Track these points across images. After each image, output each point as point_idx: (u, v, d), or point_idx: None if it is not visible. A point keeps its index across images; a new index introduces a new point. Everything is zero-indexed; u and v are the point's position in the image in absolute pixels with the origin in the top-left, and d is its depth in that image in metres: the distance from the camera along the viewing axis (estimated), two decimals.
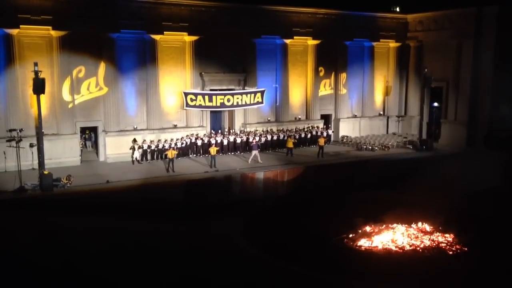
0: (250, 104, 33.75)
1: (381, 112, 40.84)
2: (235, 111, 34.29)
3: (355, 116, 39.33)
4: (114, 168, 28.10)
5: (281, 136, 33.85)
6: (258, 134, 33.01)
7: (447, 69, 36.63)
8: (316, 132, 35.34)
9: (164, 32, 30.57)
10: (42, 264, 15.66)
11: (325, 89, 38.09)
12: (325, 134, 35.27)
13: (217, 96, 32.38)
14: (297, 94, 36.84)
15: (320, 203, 25.65)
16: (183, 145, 30.89)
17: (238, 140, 32.53)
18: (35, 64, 23.07)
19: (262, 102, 34.13)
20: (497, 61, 34.11)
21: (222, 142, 31.87)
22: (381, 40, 39.01)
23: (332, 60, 37.57)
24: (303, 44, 36.21)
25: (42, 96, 23.82)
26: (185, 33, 31.28)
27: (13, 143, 23.52)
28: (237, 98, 33.06)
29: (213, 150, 28.80)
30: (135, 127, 30.95)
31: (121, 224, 20.54)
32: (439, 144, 36.21)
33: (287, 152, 31.85)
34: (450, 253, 19.45)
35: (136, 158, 29.50)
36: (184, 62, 32.09)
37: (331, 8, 36.16)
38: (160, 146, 30.12)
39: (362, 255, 19.29)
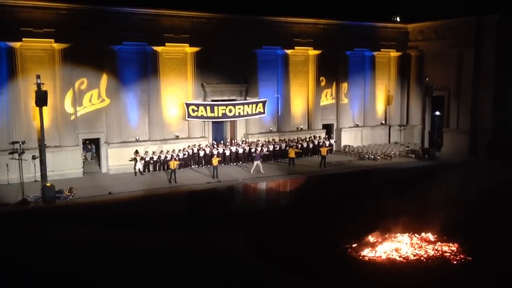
0: (252, 115, 33.80)
1: (383, 121, 40.84)
2: (237, 121, 34.34)
3: (357, 126, 39.36)
4: (117, 180, 28.10)
5: (283, 146, 33.85)
6: (260, 144, 32.99)
7: (448, 78, 36.67)
8: (318, 142, 35.34)
9: (166, 44, 30.72)
10: (44, 276, 15.61)
11: (327, 98, 38.16)
12: (327, 143, 35.25)
13: (219, 107, 32.43)
14: (298, 104, 36.90)
15: (322, 213, 25.63)
16: (185, 156, 30.89)
17: (240, 151, 32.52)
18: (38, 77, 23.10)
19: (263, 113, 34.19)
20: (498, 70, 34.16)
21: (224, 152, 31.88)
22: (381, 49, 39.13)
23: (333, 70, 37.68)
24: (304, 54, 36.36)
25: (44, 109, 23.84)
26: (187, 45, 31.43)
27: (16, 156, 23.50)
28: (239, 109, 33.12)
29: (215, 160, 28.79)
30: (137, 138, 30.99)
31: (124, 236, 20.51)
32: (441, 153, 36.14)
33: (289, 162, 31.82)
34: (454, 262, 19.34)
35: (138, 169, 29.50)
36: (185, 73, 32.21)
37: (332, 19, 36.31)
38: (162, 157, 30.12)
39: (365, 265, 19.18)
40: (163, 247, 19.66)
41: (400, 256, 19.87)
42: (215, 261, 18.62)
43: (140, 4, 29.72)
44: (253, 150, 31.82)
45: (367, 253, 20.15)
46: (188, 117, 31.90)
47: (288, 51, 35.19)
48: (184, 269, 17.25)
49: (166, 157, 30.01)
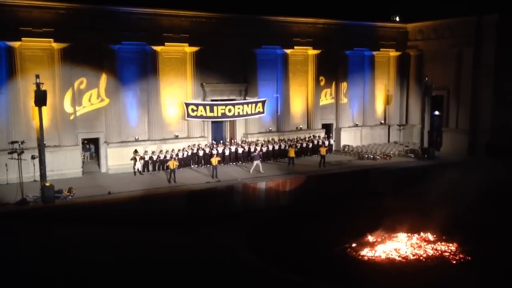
0: (251, 114, 33.79)
1: (382, 121, 40.86)
2: (236, 121, 34.33)
3: (356, 125, 39.37)
4: (116, 179, 28.09)
5: (283, 146, 33.86)
6: (260, 144, 32.99)
7: (447, 77, 36.71)
8: (318, 142, 35.35)
9: (165, 43, 30.71)
10: (44, 275, 15.61)
11: (326, 98, 38.16)
12: (326, 143, 35.25)
13: (218, 107, 32.42)
14: (298, 104, 36.89)
15: (322, 213, 25.63)
16: (185, 156, 30.90)
17: (240, 150, 32.52)
18: (37, 76, 23.09)
19: (263, 112, 34.19)
20: (497, 69, 34.17)
21: (223, 152, 31.87)
22: (381, 49, 39.13)
23: (332, 69, 37.67)
24: (304, 54, 36.34)
25: (43, 108, 23.82)
26: (186, 44, 31.42)
27: (15, 155, 23.51)
28: (238, 108, 33.11)
29: (214, 160, 28.79)
30: (136, 138, 30.98)
31: (123, 235, 20.51)
32: (440, 152, 36.18)
33: (289, 162, 31.82)
34: (454, 262, 19.35)
35: (138, 169, 29.50)
36: (185, 73, 32.20)
37: (331, 18, 36.31)
38: (162, 157, 30.11)
39: (364, 265, 19.17)
40: (162, 247, 19.65)
41: (399, 256, 19.87)
42: (215, 261, 18.62)
43: (139, 3, 29.69)
44: (252, 149, 31.82)
45: (366, 252, 20.14)
46: (187, 117, 31.89)
47: (288, 51, 35.18)
48: (184, 269, 17.25)
49: (165, 156, 30.01)
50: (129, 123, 31.09)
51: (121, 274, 16.28)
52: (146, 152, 30.17)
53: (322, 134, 37.03)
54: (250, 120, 34.44)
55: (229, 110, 32.77)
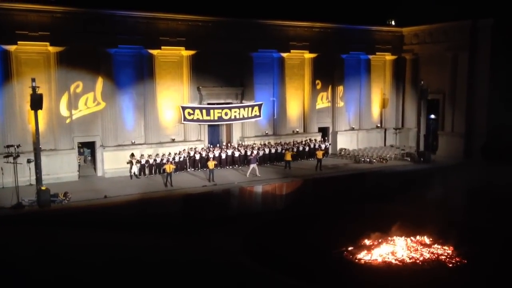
0: (248, 118, 33.81)
1: (379, 125, 40.94)
2: (232, 124, 34.34)
3: (352, 129, 39.42)
4: (112, 183, 28.02)
5: (279, 149, 33.87)
6: (256, 148, 32.99)
7: (443, 81, 36.85)
8: (314, 145, 35.37)
9: (162, 47, 30.71)
10: (40, 279, 15.57)
11: (322, 102, 38.22)
12: (323, 147, 35.28)
13: (215, 110, 32.43)
14: (294, 107, 36.94)
15: (318, 216, 25.61)
16: (181, 159, 30.86)
17: (236, 154, 32.52)
18: (33, 80, 23.06)
19: (259, 116, 34.21)
20: (492, 73, 34.30)
21: (220, 156, 31.88)
22: (377, 53, 39.26)
23: (329, 73, 37.75)
24: (300, 58, 36.41)
25: (39, 112, 23.80)
26: (182, 48, 31.43)
27: (11, 159, 23.46)
28: (235, 112, 33.12)
29: (211, 164, 28.79)
30: (133, 141, 30.93)
31: (119, 239, 20.45)
32: (436, 156, 36.25)
33: (286, 165, 31.83)
34: (450, 265, 19.37)
35: (134, 173, 29.45)
36: (181, 77, 32.20)
37: (327, 22, 36.44)
38: (158, 161, 30.09)
39: (361, 268, 19.17)
40: (159, 251, 19.60)
41: (396, 259, 19.87)
42: (212, 264, 18.60)
43: (136, 7, 29.71)
44: (249, 153, 31.82)
45: (363, 256, 20.14)
46: (184, 120, 31.88)
47: (284, 54, 35.25)
48: (180, 272, 17.23)
49: (162, 160, 29.97)
50: (125, 126, 31.05)
51: (117, 277, 16.24)
52: (142, 155, 30.14)
53: (319, 137, 37.07)
54: (247, 124, 34.45)
55: (226, 114, 32.79)
